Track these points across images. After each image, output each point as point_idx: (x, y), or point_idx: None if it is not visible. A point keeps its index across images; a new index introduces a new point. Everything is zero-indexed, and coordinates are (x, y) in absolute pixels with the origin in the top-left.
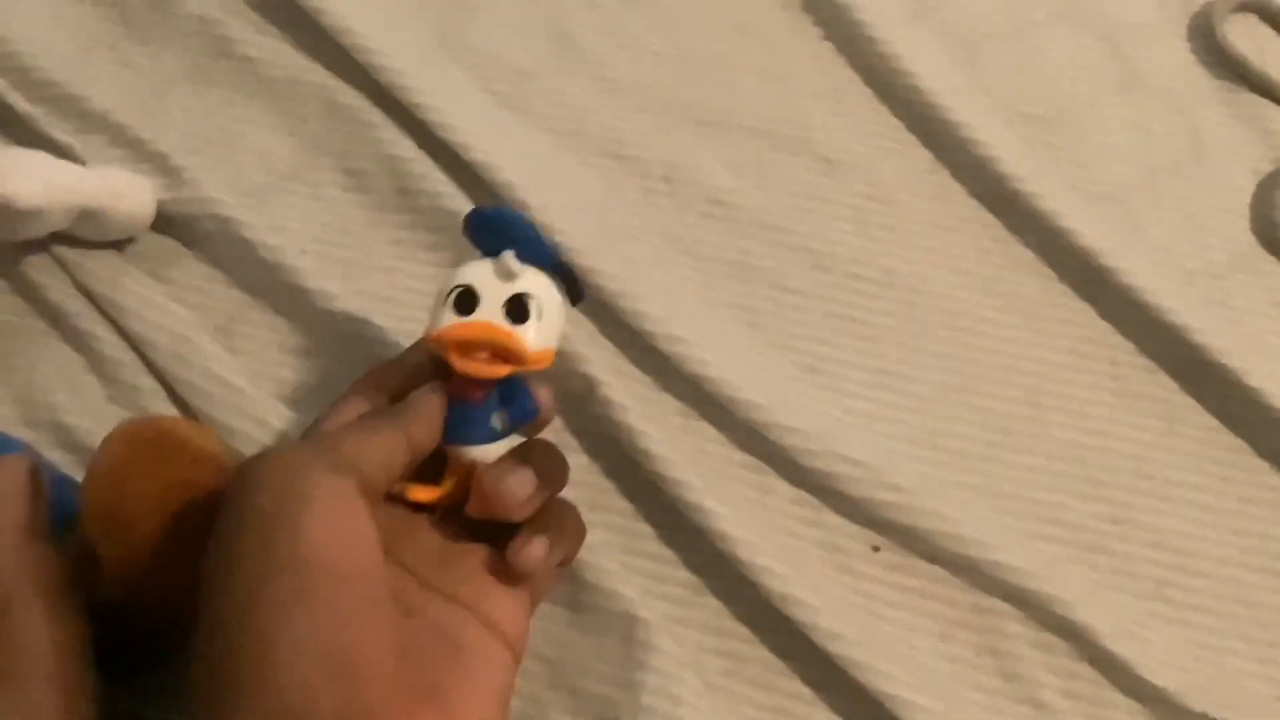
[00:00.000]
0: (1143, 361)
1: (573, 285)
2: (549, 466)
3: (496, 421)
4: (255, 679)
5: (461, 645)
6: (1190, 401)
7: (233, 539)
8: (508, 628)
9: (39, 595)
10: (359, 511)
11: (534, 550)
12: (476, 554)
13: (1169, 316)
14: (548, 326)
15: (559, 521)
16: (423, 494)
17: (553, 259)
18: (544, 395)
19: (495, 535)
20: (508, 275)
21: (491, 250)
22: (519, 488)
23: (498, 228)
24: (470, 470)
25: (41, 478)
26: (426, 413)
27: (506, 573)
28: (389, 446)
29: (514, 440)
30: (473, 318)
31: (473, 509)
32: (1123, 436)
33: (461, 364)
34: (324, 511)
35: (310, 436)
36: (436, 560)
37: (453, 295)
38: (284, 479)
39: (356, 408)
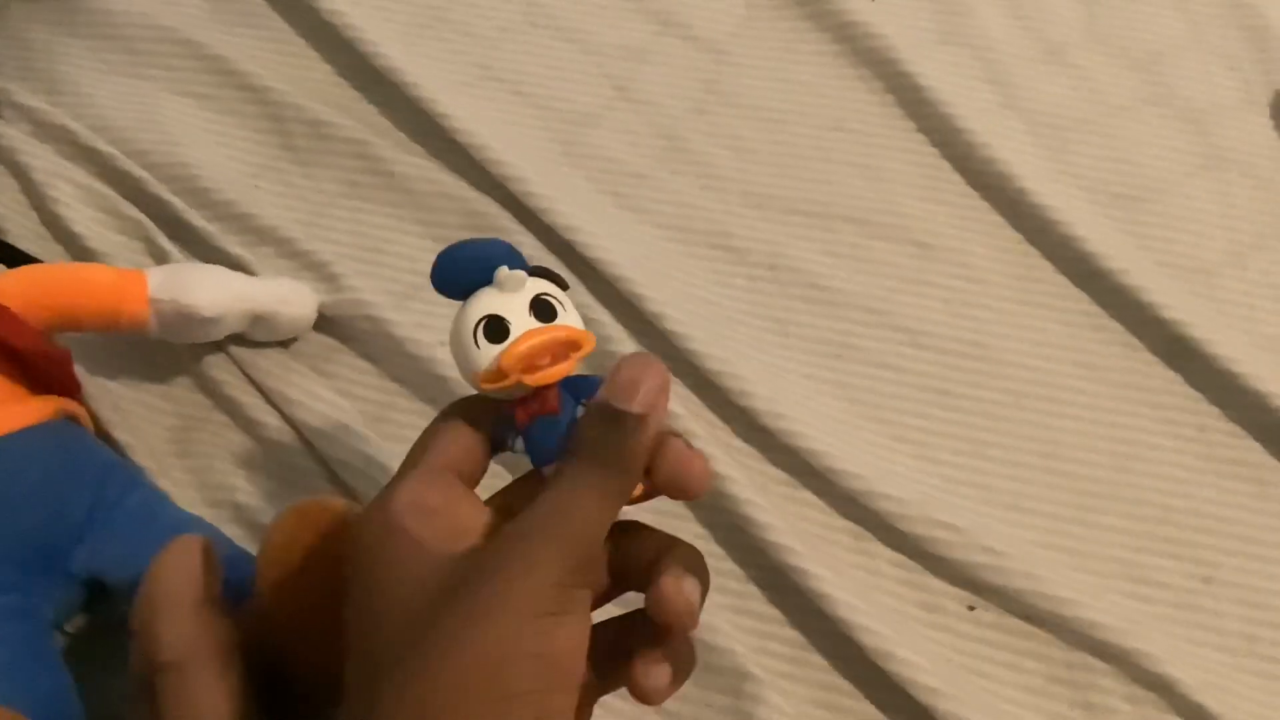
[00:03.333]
0: (1229, 426)
1: (554, 279)
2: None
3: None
4: None
5: None
6: (1276, 464)
7: (466, 624)
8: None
9: (212, 657)
10: (588, 624)
11: (688, 585)
12: None
13: (1254, 383)
14: (572, 310)
15: (696, 555)
16: None
17: (529, 265)
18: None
19: None
20: (517, 285)
21: (473, 282)
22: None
23: (476, 258)
24: None
25: (214, 552)
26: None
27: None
28: (612, 516)
29: None
30: (520, 335)
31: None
32: (1211, 499)
33: (534, 379)
34: (574, 632)
35: (423, 468)
36: None
37: (479, 329)
38: (538, 593)
39: (459, 435)
